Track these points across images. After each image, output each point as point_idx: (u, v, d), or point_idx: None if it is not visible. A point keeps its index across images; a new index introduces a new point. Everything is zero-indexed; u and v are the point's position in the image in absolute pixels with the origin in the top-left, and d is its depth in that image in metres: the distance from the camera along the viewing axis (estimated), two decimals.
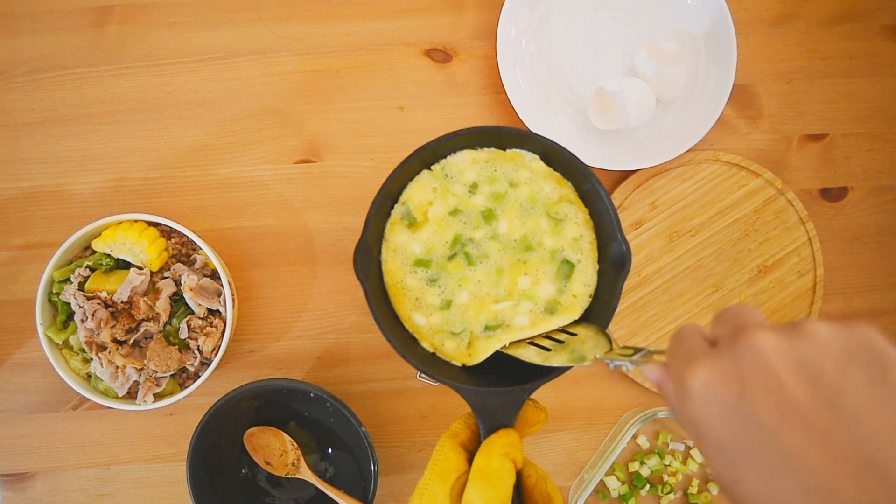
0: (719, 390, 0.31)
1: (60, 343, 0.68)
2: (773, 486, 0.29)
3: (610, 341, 0.47)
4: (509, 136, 0.56)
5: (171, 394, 0.67)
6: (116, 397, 0.68)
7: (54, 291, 0.68)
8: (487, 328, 0.55)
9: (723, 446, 0.31)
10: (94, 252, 0.69)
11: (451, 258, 0.55)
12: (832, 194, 0.80)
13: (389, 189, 0.54)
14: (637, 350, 0.42)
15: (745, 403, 0.30)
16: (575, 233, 0.56)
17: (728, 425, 0.31)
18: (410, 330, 0.56)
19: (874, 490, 0.27)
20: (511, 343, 0.54)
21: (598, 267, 0.56)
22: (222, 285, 0.68)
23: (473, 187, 0.56)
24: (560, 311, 0.55)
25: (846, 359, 0.30)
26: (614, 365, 0.42)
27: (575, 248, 0.55)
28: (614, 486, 0.76)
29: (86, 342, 0.66)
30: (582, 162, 0.54)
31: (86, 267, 0.68)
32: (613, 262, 0.54)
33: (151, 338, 0.67)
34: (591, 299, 0.56)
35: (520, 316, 0.55)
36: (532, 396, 0.52)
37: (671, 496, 0.76)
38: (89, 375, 0.68)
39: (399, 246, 0.56)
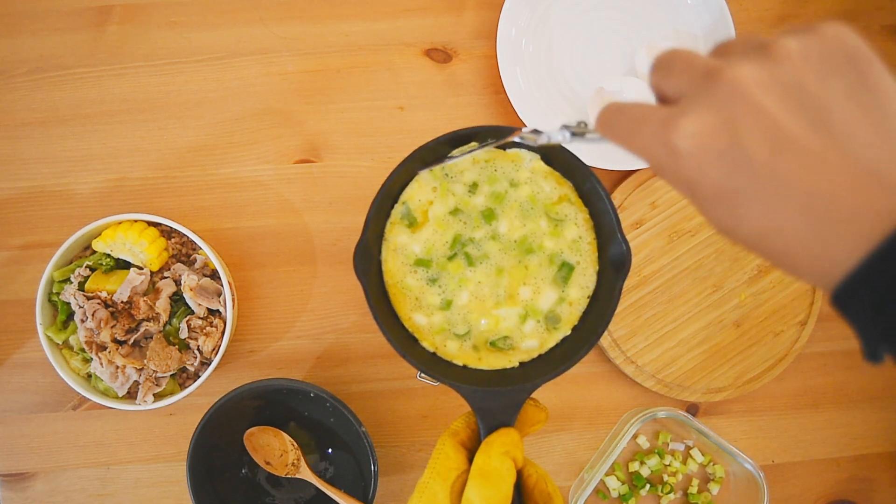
0: (710, 141, 0.30)
1: (60, 343, 0.68)
2: (775, 218, 0.29)
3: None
4: (509, 135, 0.56)
5: (171, 394, 0.67)
6: (116, 397, 0.68)
7: (54, 291, 0.68)
8: (493, 344, 0.55)
9: (721, 194, 0.30)
10: (94, 252, 0.69)
11: (451, 258, 0.55)
12: None
13: (389, 189, 0.54)
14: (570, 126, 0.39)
15: (739, 146, 0.29)
16: (574, 234, 0.56)
17: (724, 172, 0.30)
18: (410, 330, 0.56)
19: (871, 194, 0.27)
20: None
21: (597, 267, 0.56)
22: (222, 285, 0.68)
23: (473, 187, 0.56)
24: (561, 323, 0.55)
25: (824, 71, 0.29)
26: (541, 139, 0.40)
27: (574, 250, 0.56)
28: (614, 486, 0.76)
29: (86, 342, 0.66)
30: (582, 161, 0.54)
31: (86, 267, 0.68)
32: (613, 262, 0.54)
33: (151, 338, 0.67)
34: (589, 300, 0.56)
35: (528, 339, 0.55)
36: (532, 396, 0.52)
37: (671, 496, 0.76)
38: (89, 375, 0.68)
39: (399, 246, 0.56)
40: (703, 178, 0.30)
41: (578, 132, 0.39)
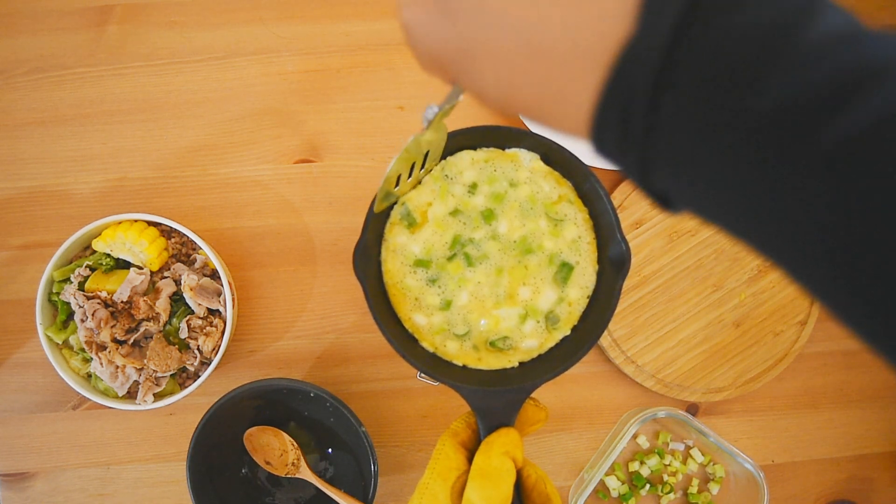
0: (420, 4, 0.30)
1: (60, 343, 0.68)
2: (502, 62, 0.28)
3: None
4: (509, 135, 0.56)
5: (171, 394, 0.67)
6: (116, 397, 0.68)
7: (54, 291, 0.68)
8: (493, 344, 0.55)
9: (455, 58, 0.30)
10: (94, 252, 0.69)
11: (450, 258, 0.55)
12: None
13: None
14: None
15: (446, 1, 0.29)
16: (574, 233, 0.56)
17: (445, 32, 0.29)
18: (410, 330, 0.56)
19: (582, 7, 0.25)
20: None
21: (597, 267, 0.56)
22: (222, 285, 0.68)
23: (473, 187, 0.56)
24: (561, 323, 0.55)
25: None
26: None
27: (574, 250, 0.56)
28: (614, 486, 0.76)
29: (86, 342, 0.66)
30: (582, 161, 0.54)
31: (86, 267, 0.68)
32: (613, 261, 0.54)
33: (151, 338, 0.67)
34: (588, 300, 0.56)
35: (527, 339, 0.55)
36: (532, 395, 0.52)
37: (671, 496, 0.76)
38: (89, 375, 0.68)
39: (399, 246, 0.56)
40: (433, 44, 0.30)
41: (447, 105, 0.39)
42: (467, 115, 0.78)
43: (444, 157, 0.57)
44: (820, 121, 0.21)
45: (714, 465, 0.77)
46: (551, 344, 0.56)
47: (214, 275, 0.70)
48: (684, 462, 0.77)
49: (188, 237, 0.69)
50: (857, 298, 0.23)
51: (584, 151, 0.74)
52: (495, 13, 0.27)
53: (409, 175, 0.52)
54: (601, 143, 0.27)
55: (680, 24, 0.23)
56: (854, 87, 0.21)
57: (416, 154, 0.48)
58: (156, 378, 0.67)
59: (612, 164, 0.27)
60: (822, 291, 0.24)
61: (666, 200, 0.27)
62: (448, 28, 0.29)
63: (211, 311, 0.69)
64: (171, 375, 0.68)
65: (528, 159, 0.56)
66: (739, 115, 0.23)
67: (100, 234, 0.68)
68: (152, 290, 0.68)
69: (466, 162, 0.56)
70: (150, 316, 0.67)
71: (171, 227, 0.69)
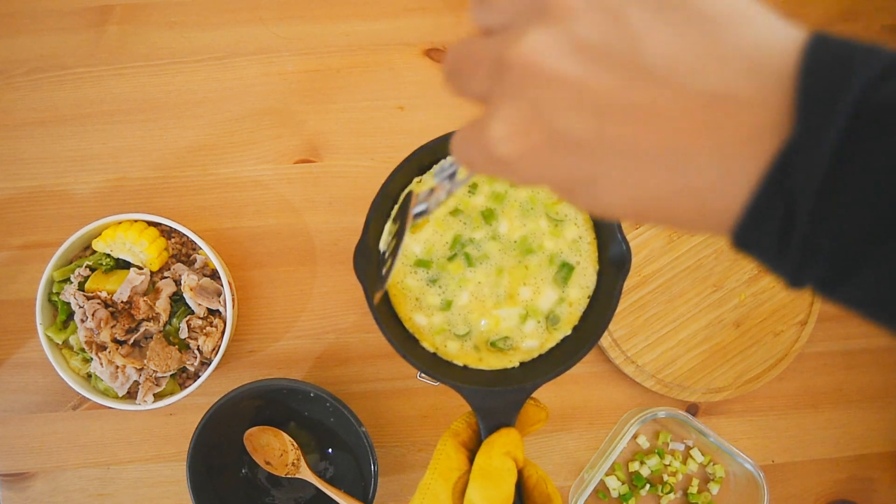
0: (526, 138, 0.26)
1: (60, 343, 0.68)
2: (634, 187, 0.25)
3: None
4: None
5: (171, 394, 0.67)
6: (116, 397, 0.68)
7: (54, 291, 0.68)
8: (494, 344, 0.55)
9: (573, 186, 0.26)
10: (94, 252, 0.69)
11: (451, 259, 0.55)
12: None
13: (389, 189, 0.54)
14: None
15: (558, 131, 0.25)
16: (574, 234, 0.56)
17: (561, 164, 0.26)
18: (411, 330, 0.56)
19: (724, 123, 0.23)
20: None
21: (597, 267, 0.56)
22: (222, 285, 0.68)
23: (473, 187, 0.56)
24: (561, 323, 0.55)
25: (618, 8, 0.24)
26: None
27: (574, 250, 0.56)
28: (614, 486, 0.76)
29: (86, 342, 0.66)
30: None
31: (86, 267, 0.68)
32: (613, 262, 0.54)
33: (151, 338, 0.67)
34: (589, 300, 0.56)
35: (528, 339, 0.55)
36: (533, 395, 0.52)
37: (671, 496, 0.76)
38: (89, 375, 0.68)
39: None
40: (545, 176, 0.27)
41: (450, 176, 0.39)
42: (468, 115, 0.78)
43: (444, 156, 0.57)
44: None
45: (714, 465, 0.77)
46: (552, 344, 0.56)
47: (214, 275, 0.70)
48: (684, 462, 0.78)
49: (188, 237, 0.69)
50: None
51: None
52: (626, 142, 0.24)
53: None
54: (747, 245, 0.25)
55: (849, 124, 0.21)
56: None
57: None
58: (156, 378, 0.67)
59: (754, 259, 0.26)
60: None
61: (797, 282, 0.25)
62: (567, 160, 0.26)
63: (211, 311, 0.69)
64: (171, 375, 0.68)
65: None
66: None
67: (100, 234, 0.68)
68: (152, 290, 0.68)
69: None
70: (150, 316, 0.67)
71: (171, 227, 0.69)
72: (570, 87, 0.24)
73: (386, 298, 0.56)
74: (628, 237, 0.68)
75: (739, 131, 0.23)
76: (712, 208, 0.25)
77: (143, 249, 0.67)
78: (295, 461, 0.71)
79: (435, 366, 0.54)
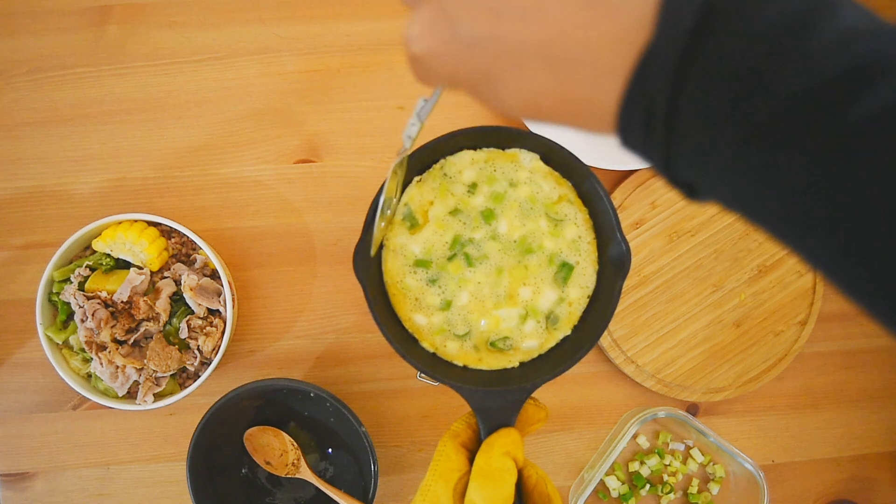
0: (434, 35, 0.31)
1: (60, 343, 0.68)
2: (525, 82, 0.29)
3: None
4: (508, 135, 0.56)
5: (171, 394, 0.67)
6: (116, 397, 0.68)
7: (54, 291, 0.68)
8: (493, 345, 0.55)
9: (475, 81, 0.31)
10: (94, 252, 0.69)
11: (450, 259, 0.55)
12: None
13: (389, 189, 0.54)
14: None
15: (460, 28, 0.30)
16: (574, 234, 0.56)
17: (463, 59, 0.30)
18: (411, 330, 0.56)
19: (599, 23, 0.26)
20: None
21: (597, 267, 0.56)
22: (222, 285, 0.68)
23: (473, 187, 0.56)
24: (561, 323, 0.55)
25: None
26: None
27: (574, 250, 0.55)
28: (614, 486, 0.76)
29: (86, 342, 0.66)
30: (582, 161, 0.54)
31: (86, 267, 0.68)
32: (613, 261, 0.54)
33: (151, 338, 0.67)
34: (589, 300, 0.56)
35: (528, 339, 0.55)
36: (532, 395, 0.52)
37: (671, 496, 0.76)
38: (89, 375, 0.68)
39: (399, 246, 0.56)
40: (451, 72, 0.31)
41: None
42: (468, 114, 0.78)
43: (444, 156, 0.57)
44: (831, 109, 0.23)
45: (714, 465, 0.77)
46: (552, 344, 0.56)
47: (214, 275, 0.70)
48: (684, 462, 0.78)
49: (188, 237, 0.69)
50: (861, 269, 0.24)
51: (584, 152, 0.74)
52: (513, 39, 0.28)
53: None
54: (627, 142, 0.28)
55: (696, 26, 0.24)
56: (867, 78, 0.22)
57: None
58: (156, 378, 0.67)
59: (640, 158, 0.29)
60: (829, 266, 0.26)
61: (691, 190, 0.28)
62: (466, 56, 0.30)
63: (211, 311, 0.69)
64: (171, 375, 0.68)
65: (527, 159, 0.56)
66: (757, 104, 0.24)
67: (100, 234, 0.68)
68: (152, 290, 0.68)
69: (466, 161, 0.56)
70: (150, 316, 0.67)
71: (171, 227, 0.69)
72: None
73: (385, 298, 0.56)
74: (628, 237, 0.68)
75: (610, 30, 0.26)
76: (593, 105, 0.28)
77: (143, 249, 0.67)
78: (295, 461, 0.71)
79: (435, 366, 0.54)
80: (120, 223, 0.68)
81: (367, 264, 0.53)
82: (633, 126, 0.27)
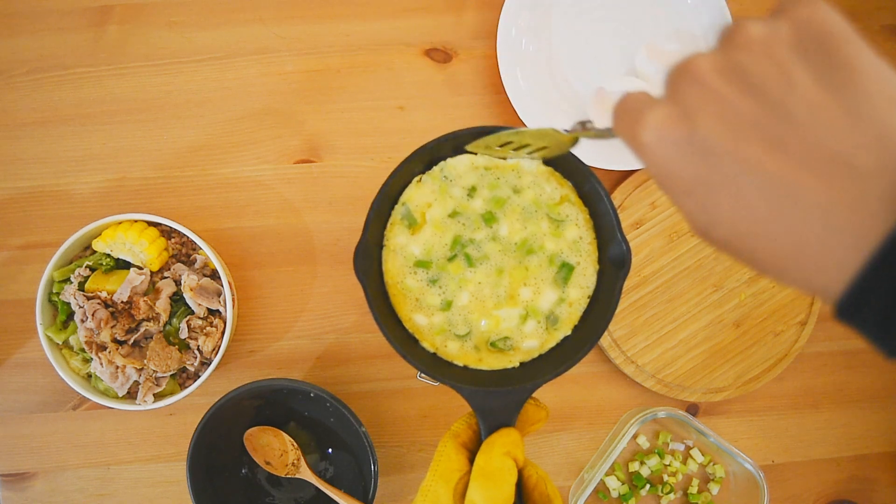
0: (670, 131, 0.29)
1: (60, 343, 0.68)
2: (743, 207, 0.28)
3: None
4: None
5: (171, 394, 0.67)
6: (116, 397, 0.68)
7: (54, 291, 0.68)
8: (494, 345, 0.55)
9: (690, 188, 0.30)
10: (94, 252, 0.69)
11: (451, 259, 0.55)
12: None
13: (389, 189, 0.54)
14: (582, 123, 0.41)
15: (698, 134, 0.28)
16: (575, 234, 0.56)
17: (689, 163, 0.29)
18: (411, 330, 0.56)
19: (840, 183, 0.25)
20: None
21: (597, 267, 0.56)
22: (222, 285, 0.68)
23: (472, 191, 0.56)
24: (561, 323, 0.55)
25: (789, 53, 0.27)
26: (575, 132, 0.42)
27: (574, 250, 0.55)
28: (614, 486, 0.76)
29: (86, 342, 0.66)
30: (582, 162, 0.54)
31: (86, 267, 0.68)
32: (613, 262, 0.54)
33: (151, 338, 0.67)
34: (589, 300, 0.56)
35: (528, 339, 0.55)
36: (533, 395, 0.52)
37: (671, 496, 0.76)
38: (89, 375, 0.68)
39: (399, 247, 0.56)
40: (668, 169, 0.30)
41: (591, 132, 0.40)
42: (467, 115, 0.78)
43: (444, 157, 0.57)
44: None
45: (714, 465, 0.77)
46: (552, 344, 0.56)
47: (214, 275, 0.70)
48: (684, 462, 0.78)
49: (188, 237, 0.69)
50: None
51: (584, 152, 0.74)
52: (749, 164, 0.27)
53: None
54: (851, 313, 0.26)
55: None
56: None
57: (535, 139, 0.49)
58: (156, 378, 0.67)
59: (851, 328, 0.27)
60: None
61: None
62: (693, 160, 0.29)
63: (211, 312, 0.69)
64: (171, 375, 0.68)
65: (530, 165, 0.56)
66: None
67: (100, 235, 0.68)
68: (152, 290, 0.68)
69: (466, 166, 0.56)
70: (150, 316, 0.67)
71: (171, 227, 0.69)
72: (722, 102, 0.28)
73: (386, 299, 0.56)
74: (628, 237, 0.68)
75: (849, 195, 0.25)
76: (809, 262, 0.27)
77: (143, 249, 0.67)
78: (295, 461, 0.71)
79: (435, 366, 0.54)
80: (120, 223, 0.68)
81: (368, 264, 0.53)
82: (866, 309, 0.25)
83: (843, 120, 0.26)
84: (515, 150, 0.52)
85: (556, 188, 0.56)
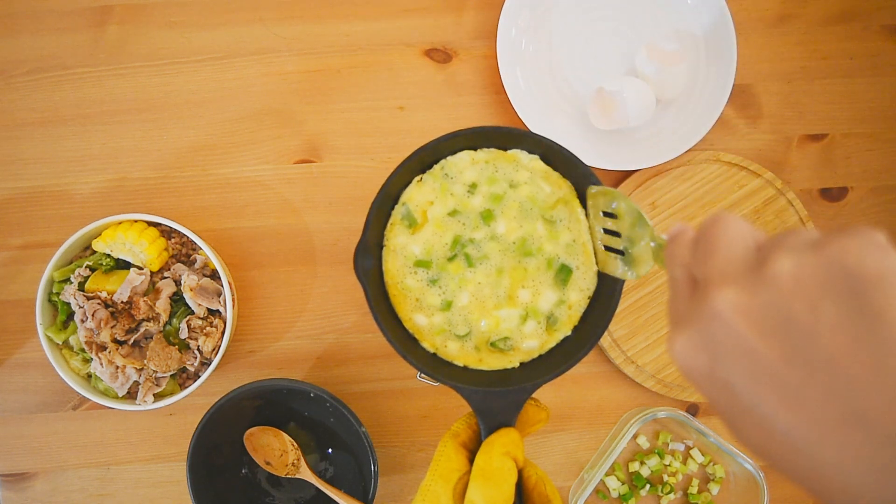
0: (694, 361, 0.30)
1: (60, 343, 0.68)
2: (766, 437, 0.28)
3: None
4: (509, 136, 0.56)
5: (171, 394, 0.67)
6: (116, 397, 0.68)
7: (54, 291, 0.68)
8: (494, 345, 0.55)
9: (714, 402, 0.31)
10: (94, 252, 0.69)
11: (451, 259, 0.55)
12: (832, 194, 0.80)
13: (389, 189, 0.54)
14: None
15: (719, 370, 0.29)
16: (569, 238, 0.56)
17: (711, 388, 0.30)
18: (411, 330, 0.56)
19: (859, 445, 0.25)
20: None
21: (597, 268, 0.56)
22: (222, 285, 0.68)
23: (473, 187, 0.56)
24: (561, 324, 0.55)
25: (817, 294, 0.26)
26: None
27: (573, 251, 0.55)
28: (614, 486, 0.76)
29: (86, 342, 0.66)
30: (582, 162, 0.54)
31: (86, 267, 0.68)
32: None
33: (151, 338, 0.67)
34: (589, 301, 0.56)
35: (527, 339, 0.55)
36: (533, 396, 0.52)
37: (671, 496, 0.76)
38: (89, 375, 0.68)
39: (399, 247, 0.56)
40: (695, 383, 0.31)
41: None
42: (467, 115, 0.78)
43: (444, 157, 0.57)
44: None
45: (714, 465, 0.77)
46: (552, 344, 0.56)
47: (214, 275, 0.70)
48: (684, 462, 0.78)
49: (188, 237, 0.69)
50: None
51: (584, 152, 0.74)
52: (764, 408, 0.27)
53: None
54: None
55: None
56: None
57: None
58: (156, 378, 0.67)
59: None
60: None
61: None
62: (716, 387, 0.30)
63: (211, 312, 0.69)
64: (171, 376, 0.68)
65: (527, 159, 0.56)
66: None
67: (100, 235, 0.68)
68: (152, 290, 0.68)
69: (466, 162, 0.56)
70: (150, 316, 0.67)
71: (171, 228, 0.69)
72: (743, 343, 0.28)
73: (386, 299, 0.56)
74: None
75: (865, 458, 0.25)
76: (833, 497, 0.27)
77: (143, 249, 0.67)
78: (295, 461, 0.71)
79: (435, 366, 0.54)
80: (120, 223, 0.68)
81: (368, 264, 0.53)
82: None
83: (865, 374, 0.25)
84: (608, 232, 0.51)
85: (553, 187, 0.56)
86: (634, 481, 0.76)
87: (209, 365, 0.67)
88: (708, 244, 0.31)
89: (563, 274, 0.55)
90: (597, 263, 0.54)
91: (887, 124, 0.81)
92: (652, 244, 0.43)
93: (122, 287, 0.66)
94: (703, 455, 0.78)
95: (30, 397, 0.75)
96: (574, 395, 0.77)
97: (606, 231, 0.51)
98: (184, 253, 0.71)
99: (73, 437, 0.75)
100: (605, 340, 0.76)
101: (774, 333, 0.27)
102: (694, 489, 0.77)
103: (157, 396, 0.67)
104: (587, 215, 0.54)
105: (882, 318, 0.25)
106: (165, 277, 0.69)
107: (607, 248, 0.52)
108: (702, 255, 0.31)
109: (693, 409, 0.78)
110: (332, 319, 0.76)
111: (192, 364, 0.68)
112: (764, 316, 0.27)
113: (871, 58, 0.81)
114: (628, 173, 0.78)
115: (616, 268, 0.50)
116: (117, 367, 0.66)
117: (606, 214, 0.51)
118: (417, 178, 0.56)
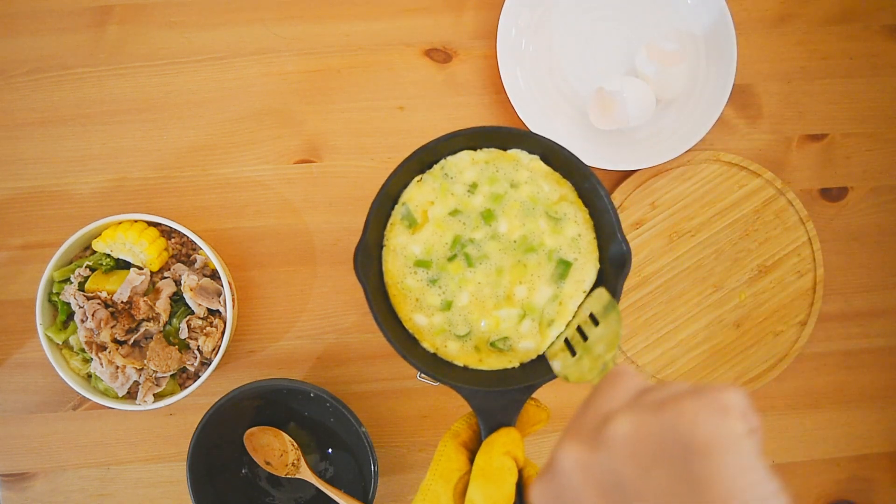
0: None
1: (60, 343, 0.68)
2: None
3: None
4: (509, 136, 0.56)
5: (171, 394, 0.67)
6: (116, 397, 0.68)
7: (54, 291, 0.68)
8: (494, 345, 0.55)
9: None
10: (94, 252, 0.69)
11: (451, 259, 0.55)
12: (832, 194, 0.80)
13: (389, 189, 0.54)
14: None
15: None
16: (574, 232, 0.56)
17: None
18: (411, 330, 0.56)
19: None
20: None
21: (597, 266, 0.56)
22: (222, 285, 0.68)
23: (473, 187, 0.56)
24: (555, 321, 0.55)
25: (648, 460, 0.28)
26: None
27: (573, 247, 0.55)
28: None
29: (86, 342, 0.66)
30: (582, 162, 0.54)
31: (86, 267, 0.68)
32: (613, 262, 0.54)
33: (151, 338, 0.67)
34: (584, 294, 0.55)
35: (524, 340, 0.55)
36: (533, 396, 0.52)
37: None
38: (89, 375, 0.68)
39: (399, 247, 0.56)
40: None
41: None
42: (467, 114, 0.78)
43: (444, 157, 0.57)
44: None
45: None
46: (546, 344, 0.55)
47: (214, 275, 0.70)
48: None
49: (188, 237, 0.69)
50: None
51: (584, 152, 0.74)
52: None
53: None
54: None
55: None
56: None
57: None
58: (156, 378, 0.67)
59: None
60: None
61: None
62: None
63: (211, 312, 0.69)
64: (171, 376, 0.68)
65: (527, 159, 0.56)
66: None
67: (100, 235, 0.68)
68: (152, 290, 0.68)
69: (466, 162, 0.56)
70: (150, 316, 0.67)
71: (171, 228, 0.69)
72: (579, 499, 0.30)
73: (386, 299, 0.56)
74: (628, 237, 0.68)
75: None
76: None
77: (143, 249, 0.67)
78: (295, 461, 0.71)
79: (435, 366, 0.54)
80: (120, 223, 0.68)
81: (368, 264, 0.53)
82: None
83: None
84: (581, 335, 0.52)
85: (554, 187, 0.56)
86: None
87: (209, 365, 0.67)
88: (593, 395, 0.33)
89: (562, 268, 0.55)
90: (547, 349, 0.55)
91: (887, 124, 0.81)
92: (602, 367, 0.44)
93: (122, 287, 0.66)
94: None
95: (30, 397, 0.75)
96: (574, 395, 0.77)
97: (579, 329, 0.52)
98: (184, 253, 0.71)
99: (73, 437, 0.75)
100: None
101: (607, 494, 0.29)
102: None
103: (157, 396, 0.67)
104: (580, 306, 0.55)
105: (706, 487, 0.26)
106: (165, 277, 0.69)
107: (566, 342, 0.53)
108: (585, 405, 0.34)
109: None
110: (332, 319, 0.76)
111: (192, 364, 0.68)
112: (601, 474, 0.29)
113: (871, 58, 0.81)
114: (628, 173, 0.78)
115: (559, 360, 0.51)
116: (117, 367, 0.66)
117: (591, 317, 0.51)
118: (417, 178, 0.56)
